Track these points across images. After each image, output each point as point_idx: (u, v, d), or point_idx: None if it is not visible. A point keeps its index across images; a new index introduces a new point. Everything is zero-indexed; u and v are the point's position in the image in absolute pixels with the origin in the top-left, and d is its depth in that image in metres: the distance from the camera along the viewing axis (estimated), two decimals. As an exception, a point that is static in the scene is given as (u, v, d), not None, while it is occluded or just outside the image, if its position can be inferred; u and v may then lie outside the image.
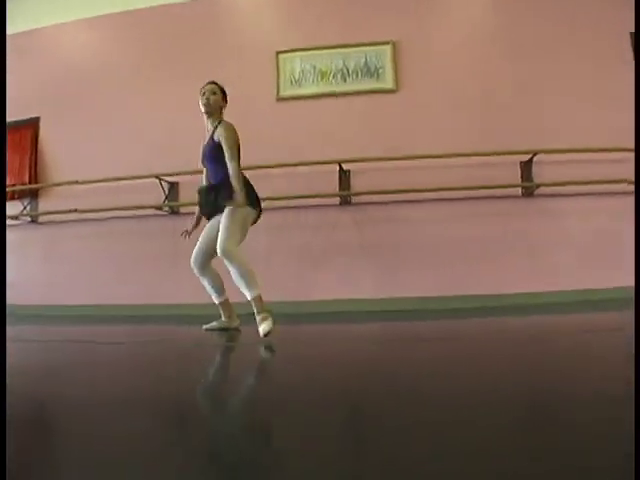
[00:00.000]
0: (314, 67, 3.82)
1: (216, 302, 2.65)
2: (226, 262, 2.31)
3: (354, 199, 3.73)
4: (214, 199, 2.48)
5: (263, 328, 2.23)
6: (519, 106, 3.77)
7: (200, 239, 2.59)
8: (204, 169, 2.65)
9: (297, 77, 3.83)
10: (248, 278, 2.31)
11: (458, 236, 3.67)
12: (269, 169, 3.68)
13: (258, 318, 2.30)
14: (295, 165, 3.65)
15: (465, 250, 3.66)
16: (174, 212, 3.89)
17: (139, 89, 4.09)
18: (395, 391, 1.22)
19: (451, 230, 3.65)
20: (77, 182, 3.97)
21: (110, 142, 4.08)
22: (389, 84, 3.76)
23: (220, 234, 2.34)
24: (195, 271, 2.58)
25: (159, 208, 3.83)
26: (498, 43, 3.87)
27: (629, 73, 3.88)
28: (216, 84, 2.61)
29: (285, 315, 3.49)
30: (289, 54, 3.84)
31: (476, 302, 3.51)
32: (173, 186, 3.89)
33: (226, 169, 2.43)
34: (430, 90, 3.80)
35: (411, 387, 1.26)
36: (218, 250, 2.31)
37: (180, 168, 3.78)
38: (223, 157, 2.43)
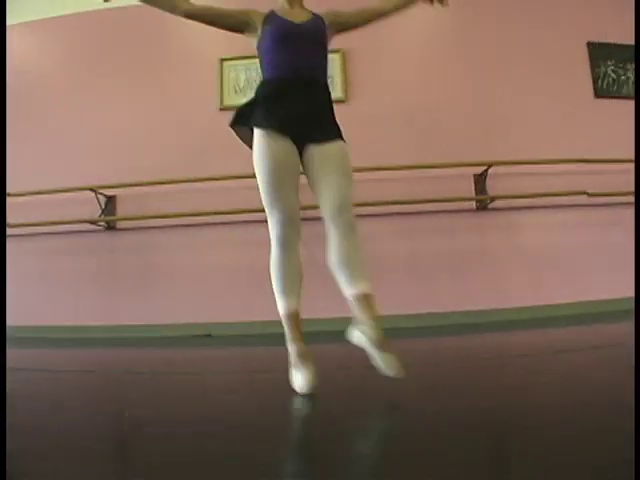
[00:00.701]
0: (259, 75, 3.63)
1: (287, 309, 1.54)
2: (345, 227, 1.45)
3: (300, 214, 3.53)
4: (324, 108, 1.56)
5: (395, 363, 1.33)
6: (472, 117, 3.65)
7: (287, 174, 1.49)
8: (286, 54, 1.56)
9: (242, 85, 3.65)
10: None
11: (410, 251, 3.50)
12: (214, 181, 3.50)
13: (373, 333, 1.36)
14: (239, 178, 3.45)
15: (417, 266, 3.50)
16: (110, 227, 3.65)
17: (74, 98, 3.85)
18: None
19: (402, 245, 3.49)
20: (9, 194, 3.70)
21: (42, 153, 3.82)
22: (338, 94, 3.59)
23: (344, 182, 1.48)
24: (293, 235, 1.53)
25: (94, 222, 3.59)
26: (452, 53, 3.75)
27: (587, 84, 3.80)
28: None
29: (231, 337, 3.29)
30: (234, 62, 3.65)
31: (429, 320, 3.34)
32: (110, 200, 3.66)
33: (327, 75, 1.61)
34: (381, 100, 3.64)
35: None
36: (339, 205, 1.45)
37: (117, 180, 3.57)
38: (327, 52, 1.63)
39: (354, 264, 1.45)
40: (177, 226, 3.55)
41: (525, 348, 2.36)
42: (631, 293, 3.53)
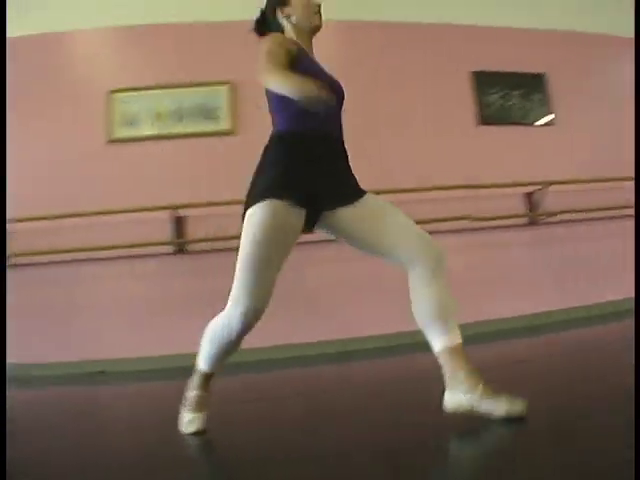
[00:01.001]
0: (150, 107, 3.65)
1: (209, 370, 1.51)
2: (439, 260, 1.35)
3: (191, 247, 3.56)
4: (348, 167, 1.53)
5: (512, 400, 1.21)
6: (355, 146, 3.72)
7: (286, 252, 1.39)
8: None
9: (131, 118, 3.65)
10: None
11: (306, 280, 3.56)
12: (100, 216, 3.49)
13: (479, 389, 1.22)
14: (124, 212, 3.45)
15: (311, 295, 3.58)
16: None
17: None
18: None
19: (299, 275, 3.52)
20: None
21: None
22: (226, 126, 3.64)
23: (409, 220, 1.40)
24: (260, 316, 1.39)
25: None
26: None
27: (470, 112, 3.94)
28: None
29: (126, 373, 3.30)
30: (123, 93, 3.65)
31: (328, 347, 3.44)
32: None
33: None
34: (269, 132, 3.69)
35: None
36: (425, 238, 1.35)
37: (14, 214, 3.50)
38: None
39: (447, 311, 1.31)
40: (69, 261, 3.53)
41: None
42: (518, 313, 3.71)
